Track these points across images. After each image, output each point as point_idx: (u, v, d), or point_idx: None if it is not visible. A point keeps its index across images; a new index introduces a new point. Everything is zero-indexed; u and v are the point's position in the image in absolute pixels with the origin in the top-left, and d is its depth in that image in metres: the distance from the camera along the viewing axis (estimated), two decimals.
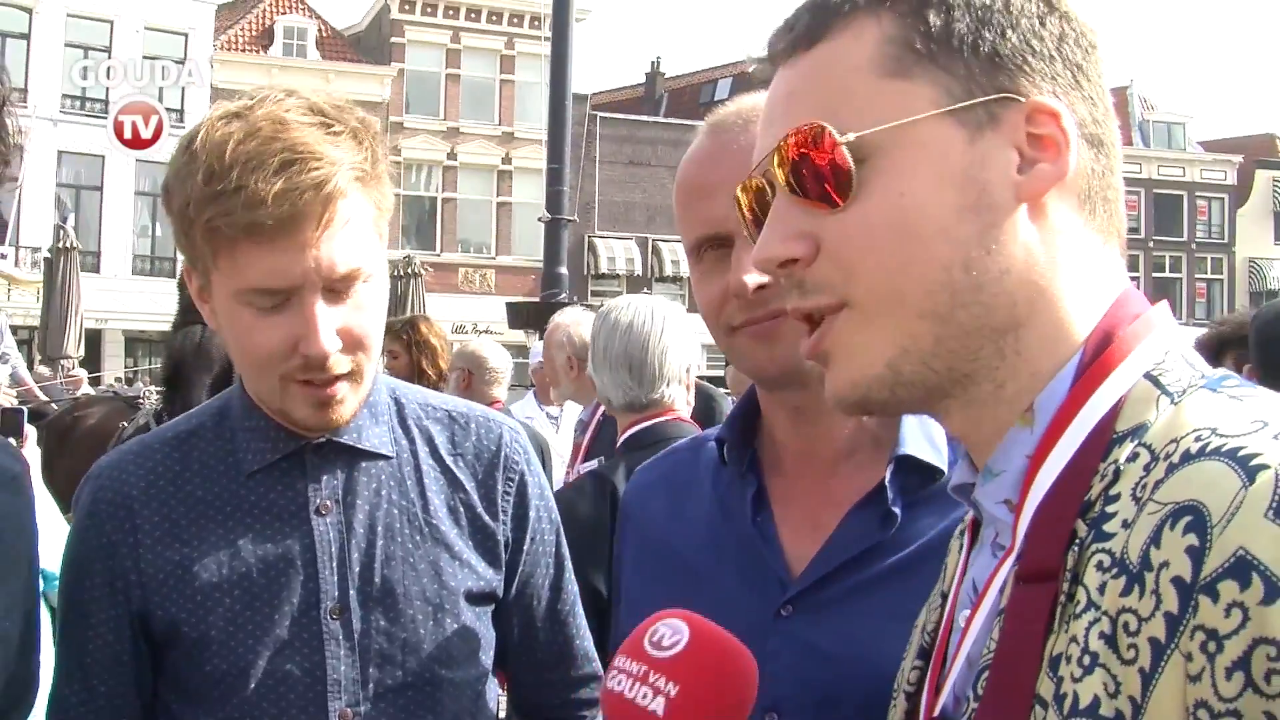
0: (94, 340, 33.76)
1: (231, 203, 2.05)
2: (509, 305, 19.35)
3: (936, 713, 1.36)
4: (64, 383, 16.91)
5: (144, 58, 44.30)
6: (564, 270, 16.86)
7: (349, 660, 2.25)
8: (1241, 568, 0.99)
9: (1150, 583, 1.06)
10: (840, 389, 1.35)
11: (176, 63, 45.18)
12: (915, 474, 1.98)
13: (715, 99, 62.43)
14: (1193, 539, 1.03)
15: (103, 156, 42.93)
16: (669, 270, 53.55)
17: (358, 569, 2.29)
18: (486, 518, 2.43)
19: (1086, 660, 1.10)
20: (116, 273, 43.80)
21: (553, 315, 7.31)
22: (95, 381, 25.33)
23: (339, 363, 2.19)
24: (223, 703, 2.23)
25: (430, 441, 2.45)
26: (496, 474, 2.47)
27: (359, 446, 2.35)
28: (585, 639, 2.63)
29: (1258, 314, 4.63)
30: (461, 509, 2.42)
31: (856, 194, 1.28)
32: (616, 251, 53.38)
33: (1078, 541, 1.17)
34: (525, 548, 2.49)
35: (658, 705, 1.58)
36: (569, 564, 2.60)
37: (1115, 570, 1.10)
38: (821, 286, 1.32)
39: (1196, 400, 1.20)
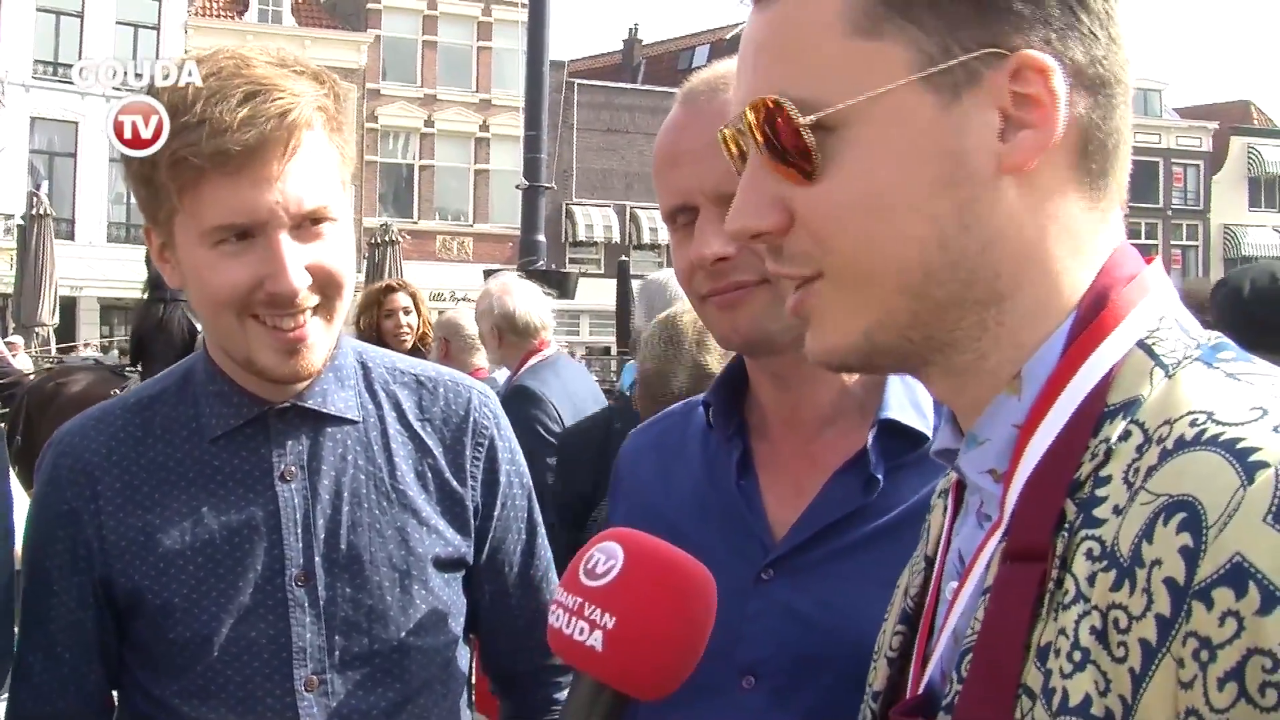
0: (69, 308, 33.62)
1: (196, 134, 2.03)
2: (486, 273, 19.30)
3: (922, 688, 1.32)
4: None
5: (117, 23, 44.16)
6: (542, 238, 16.84)
7: (314, 628, 2.23)
8: (1238, 575, 0.96)
9: (1141, 580, 1.02)
10: (817, 351, 1.30)
11: (150, 28, 45.07)
12: (899, 438, 1.97)
13: (693, 66, 61.78)
14: (1187, 539, 0.99)
15: (76, 122, 42.70)
16: (647, 238, 53.54)
17: (323, 535, 2.26)
18: (455, 483, 2.40)
19: (1077, 656, 1.06)
20: (91, 240, 43.56)
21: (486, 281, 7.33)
22: (68, 350, 25.22)
23: (307, 299, 2.15)
24: (187, 670, 2.21)
25: (398, 406, 2.41)
26: (465, 439, 2.43)
27: (324, 411, 2.31)
28: None
29: (1221, 281, 4.63)
30: (429, 474, 2.38)
31: (824, 169, 1.20)
32: (594, 219, 53.33)
33: (1067, 524, 1.13)
34: (495, 513, 2.45)
35: (595, 640, 1.51)
36: (542, 529, 2.57)
37: (1105, 562, 1.06)
38: (797, 257, 1.25)
39: (1192, 375, 1.14)
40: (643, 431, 2.43)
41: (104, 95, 43.72)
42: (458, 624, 2.41)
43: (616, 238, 53.20)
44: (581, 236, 52.84)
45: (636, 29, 66.21)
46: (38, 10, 42.25)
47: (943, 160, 1.18)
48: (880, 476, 1.95)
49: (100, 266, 41.01)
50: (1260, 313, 4.23)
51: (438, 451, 2.40)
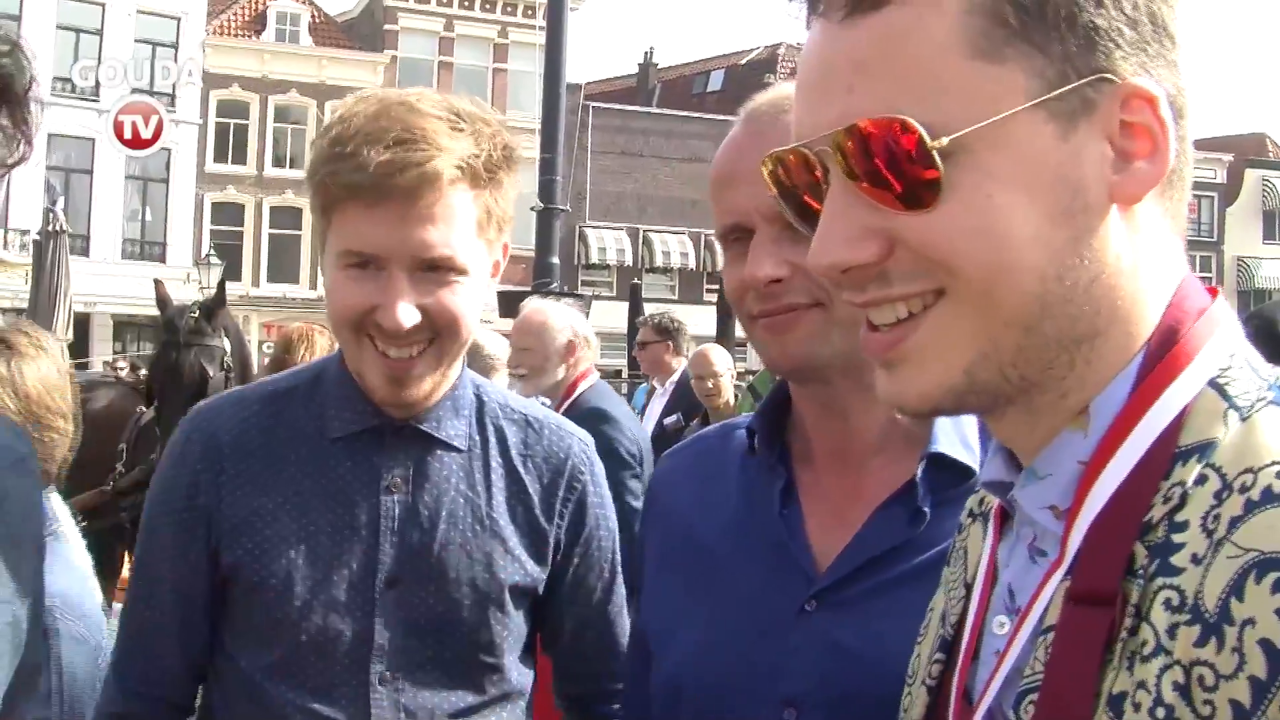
0: (82, 324, 33.65)
1: (343, 165, 2.24)
2: (500, 294, 19.32)
3: None
4: None
5: (135, 41, 44.36)
6: (555, 260, 16.85)
7: (395, 630, 2.40)
8: None
9: (1231, 639, 0.99)
10: (906, 397, 1.24)
11: (168, 46, 45.26)
12: (946, 472, 1.95)
13: (708, 90, 62.55)
14: None
15: (93, 140, 42.85)
16: (659, 261, 53.65)
17: (416, 548, 2.42)
18: (543, 520, 2.57)
19: (1161, 713, 1.03)
20: (106, 256, 43.76)
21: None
22: (83, 366, 25.25)
23: (416, 335, 2.31)
24: (272, 646, 2.39)
25: (503, 441, 2.58)
26: (560, 481, 2.60)
27: (436, 435, 2.48)
28: (627, 636, 2.73)
29: (1252, 314, 4.60)
30: (520, 508, 2.55)
31: (941, 196, 1.15)
32: (607, 242, 53.43)
33: (1139, 569, 1.10)
34: (578, 551, 2.63)
35: None
36: (620, 570, 2.73)
37: (1189, 616, 1.03)
38: (913, 275, 1.19)
39: (1270, 420, 1.12)
40: (678, 454, 2.43)
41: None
42: (521, 645, 2.57)
43: (629, 261, 53.29)
44: (594, 259, 52.92)
45: (652, 52, 66.39)
46: (57, 28, 42.51)
47: (1061, 190, 1.15)
48: (928, 510, 1.93)
49: (114, 283, 41.17)
50: None
51: (533, 489, 2.57)
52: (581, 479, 2.63)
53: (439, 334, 2.34)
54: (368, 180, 2.21)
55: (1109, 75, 1.15)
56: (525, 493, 2.55)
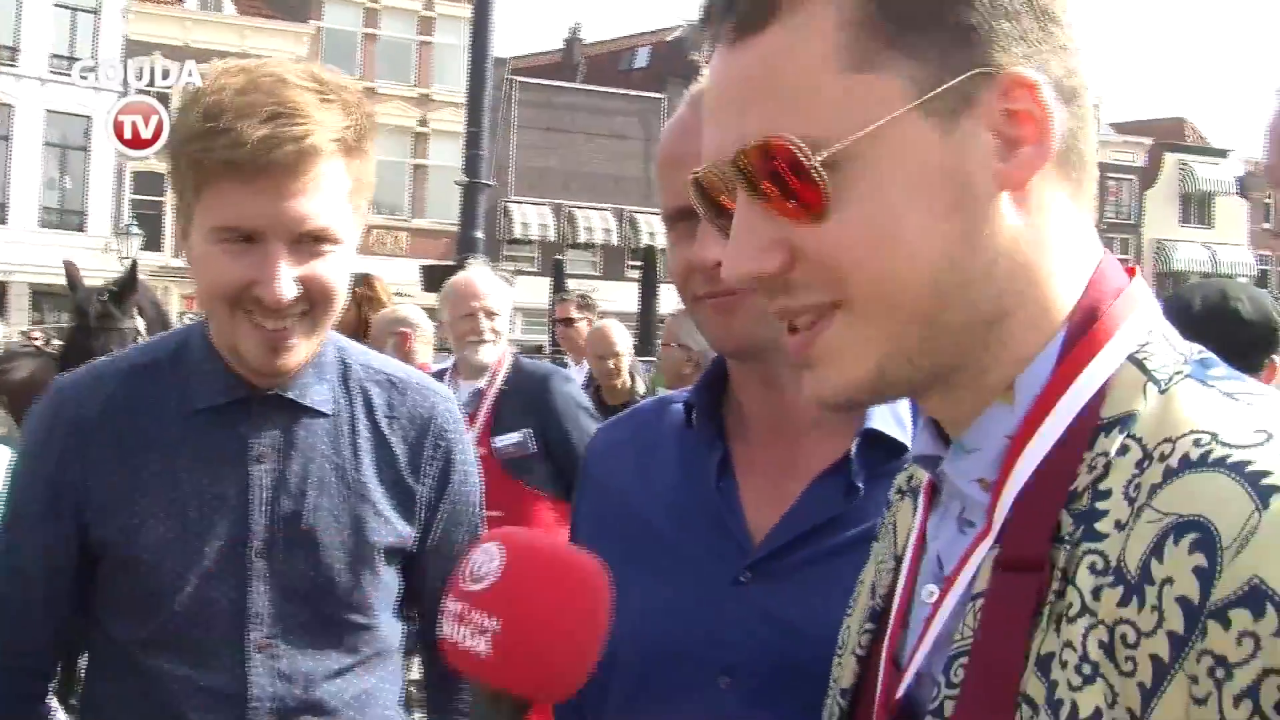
0: None
1: (218, 140, 2.22)
2: (423, 268, 19.25)
3: (901, 690, 1.32)
4: None
5: (55, 4, 43.64)
6: (480, 234, 16.75)
7: (269, 596, 2.43)
8: (1256, 597, 0.97)
9: (1151, 597, 1.03)
10: (825, 393, 1.28)
11: (89, 12, 44.57)
12: (880, 448, 1.99)
13: (634, 67, 62.32)
14: (1200, 559, 1.01)
15: (10, 106, 42.18)
16: (582, 236, 53.58)
17: (286, 515, 2.45)
18: (410, 480, 2.60)
19: (1087, 669, 1.07)
20: (23, 225, 43.08)
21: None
22: None
23: (293, 306, 2.32)
24: (147, 619, 2.41)
25: (369, 402, 2.60)
26: (425, 440, 2.63)
27: (301, 402, 2.50)
28: None
29: (1171, 297, 4.65)
30: (387, 469, 2.57)
31: (832, 205, 1.19)
32: (530, 217, 53.29)
33: (1066, 536, 1.14)
34: (444, 507, 2.65)
35: (481, 645, 1.49)
36: (485, 526, 2.75)
37: (1112, 578, 1.08)
38: (812, 287, 1.23)
39: (1188, 392, 1.16)
40: (615, 427, 2.46)
41: (39, 79, 43.37)
42: (395, 603, 2.62)
43: (552, 236, 53.17)
44: (518, 234, 52.75)
45: (578, 28, 66.05)
46: None
47: (948, 185, 1.19)
48: (861, 485, 1.96)
49: (32, 252, 40.53)
50: (1211, 330, 4.28)
51: (398, 449, 2.60)
52: (447, 437, 2.66)
53: (314, 304, 2.36)
54: (244, 156, 2.21)
55: (987, 69, 1.18)
56: (391, 453, 2.58)
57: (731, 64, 1.26)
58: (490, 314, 6.47)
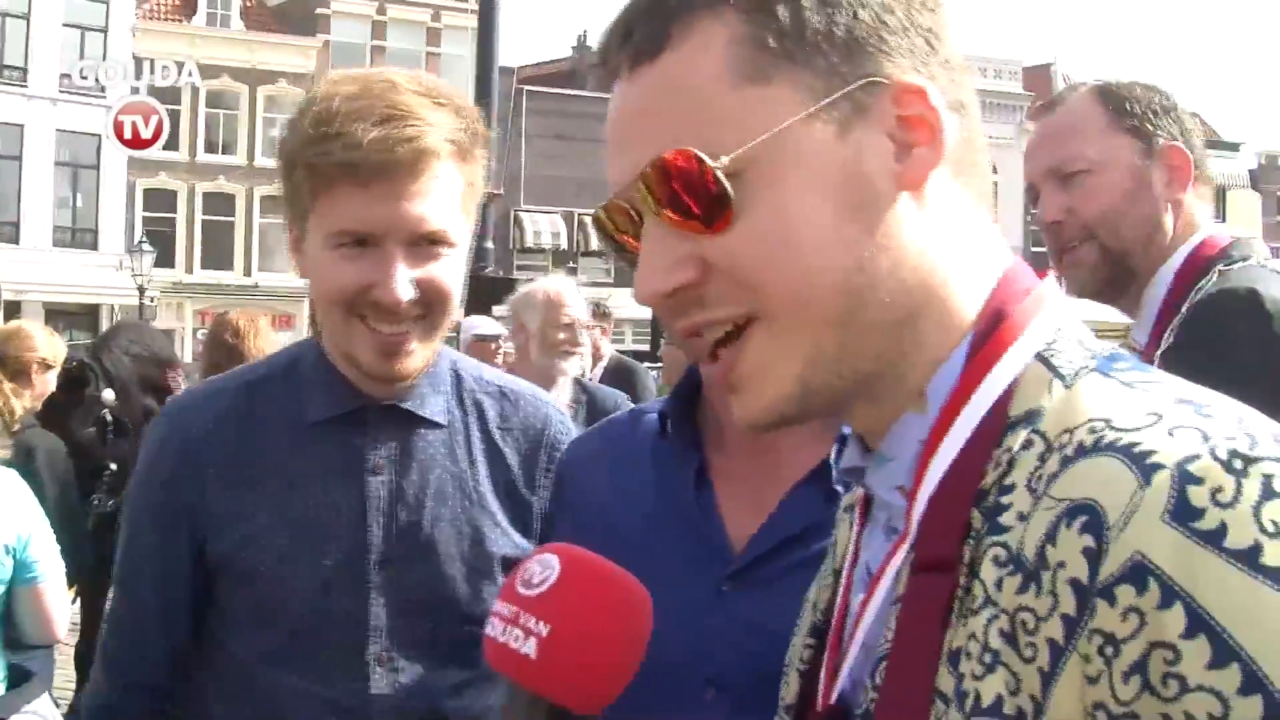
0: (13, 312, 33.20)
1: (332, 144, 2.23)
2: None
3: (834, 698, 1.34)
4: None
5: (63, 25, 43.83)
6: (490, 244, 16.81)
7: (389, 609, 2.41)
8: (1138, 572, 0.99)
9: (1047, 583, 1.05)
10: (754, 414, 1.30)
11: (97, 30, 44.74)
12: None
13: None
14: (1089, 540, 1.03)
15: (21, 125, 42.39)
16: (594, 245, 53.47)
17: (405, 526, 2.44)
18: (525, 491, 2.57)
19: (988, 658, 1.09)
20: (36, 244, 43.23)
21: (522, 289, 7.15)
22: None
23: (410, 310, 2.31)
24: (267, 633, 2.41)
25: (482, 414, 2.59)
26: (539, 451, 2.60)
27: (418, 413, 2.49)
28: None
29: None
30: (503, 481, 2.56)
31: (735, 215, 1.22)
32: (542, 226, 53.37)
33: (974, 533, 1.16)
34: None
35: (529, 647, 1.53)
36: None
37: (1011, 567, 1.09)
38: (725, 298, 1.25)
39: (1089, 385, 1.18)
40: (588, 439, 2.46)
41: (50, 99, 43.58)
42: None
43: (564, 244, 53.25)
44: (530, 243, 52.84)
45: (586, 35, 66.10)
46: None
47: (849, 186, 1.22)
48: (842, 490, 1.97)
49: (45, 270, 40.72)
50: None
51: (513, 461, 2.58)
52: (560, 447, 2.61)
53: (430, 308, 2.34)
54: (360, 158, 2.21)
55: (877, 78, 1.23)
56: (505, 465, 2.56)
57: (629, 95, 1.30)
58: (583, 326, 6.55)
